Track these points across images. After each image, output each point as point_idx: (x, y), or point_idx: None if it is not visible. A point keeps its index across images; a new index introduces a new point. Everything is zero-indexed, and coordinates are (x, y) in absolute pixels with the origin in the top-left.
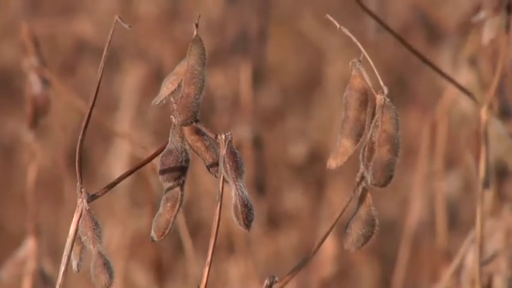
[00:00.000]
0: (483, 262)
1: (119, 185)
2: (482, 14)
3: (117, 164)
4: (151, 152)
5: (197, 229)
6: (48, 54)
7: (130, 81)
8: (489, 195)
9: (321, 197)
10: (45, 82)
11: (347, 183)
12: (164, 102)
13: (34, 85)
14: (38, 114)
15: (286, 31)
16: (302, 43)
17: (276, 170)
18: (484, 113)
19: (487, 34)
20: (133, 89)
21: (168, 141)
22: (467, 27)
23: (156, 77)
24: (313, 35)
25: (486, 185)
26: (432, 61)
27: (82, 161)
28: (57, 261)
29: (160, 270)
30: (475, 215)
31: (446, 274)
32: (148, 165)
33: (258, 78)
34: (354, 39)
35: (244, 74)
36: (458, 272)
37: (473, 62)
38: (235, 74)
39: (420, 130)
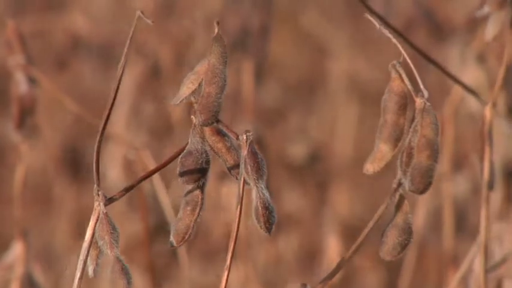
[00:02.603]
0: (492, 266)
1: (113, 188)
2: (485, 9)
3: (112, 164)
4: (146, 152)
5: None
6: (40, 51)
7: (126, 78)
8: (497, 197)
9: (323, 199)
10: (32, 81)
11: (349, 185)
12: (184, 101)
13: (20, 84)
14: (25, 114)
15: (287, 27)
16: (304, 40)
17: (276, 170)
18: (488, 112)
19: (491, 30)
20: (130, 86)
21: (187, 143)
22: (476, 23)
23: (153, 75)
24: (316, 32)
25: (491, 186)
26: (438, 59)
27: (76, 161)
28: (46, 265)
29: (155, 275)
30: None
31: (454, 279)
32: (140, 170)
33: (260, 76)
34: (394, 41)
35: (246, 72)
36: (466, 277)
37: (481, 59)
38: (236, 72)
39: None
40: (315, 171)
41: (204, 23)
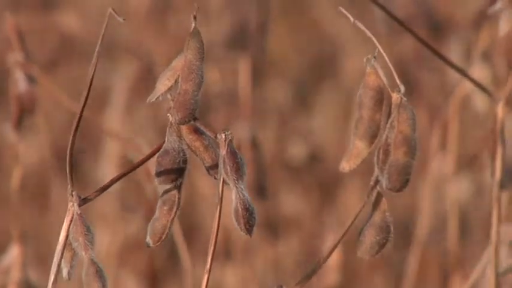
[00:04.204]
0: (503, 271)
1: (109, 189)
2: (498, 5)
3: (108, 165)
4: (145, 153)
5: (192, 235)
6: (33, 49)
7: (121, 77)
8: (504, 199)
9: (324, 201)
10: (31, 79)
11: (351, 186)
12: (160, 99)
13: (19, 82)
14: (24, 113)
15: (290, 23)
16: (308, 36)
17: (277, 171)
18: (500, 110)
19: (504, 26)
20: (124, 86)
21: (163, 141)
22: (480, 20)
23: (149, 74)
24: (321, 28)
25: (503, 187)
26: (444, 55)
27: (71, 161)
28: (43, 269)
29: (153, 279)
30: (488, 220)
31: (468, 284)
32: (142, 168)
33: (259, 73)
34: (369, 34)
35: (243, 69)
36: (476, 281)
37: (486, 57)
38: (235, 69)
39: (428, 129)
40: (315, 172)
41: (202, 20)
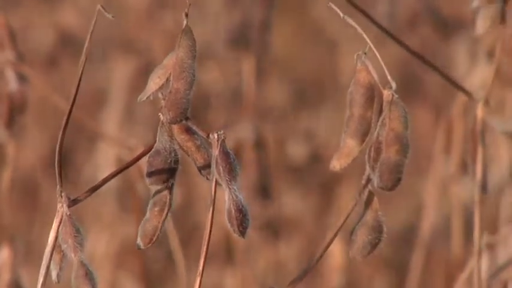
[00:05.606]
0: (497, 269)
1: (105, 188)
2: (475, 3)
3: (103, 166)
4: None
5: (191, 236)
6: (28, 47)
7: (118, 76)
8: (506, 200)
9: (325, 201)
10: (23, 78)
11: (354, 186)
12: (151, 98)
13: (10, 81)
14: (15, 113)
15: (294, 21)
16: (312, 34)
17: (277, 172)
18: (480, 110)
19: (481, 24)
20: (121, 84)
21: (155, 140)
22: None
23: (146, 72)
24: (325, 26)
25: (484, 188)
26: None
27: (65, 162)
28: (33, 271)
29: (150, 281)
30: (491, 222)
31: (458, 283)
32: (134, 168)
33: (261, 72)
34: (359, 29)
35: (246, 68)
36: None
37: (491, 55)
38: (236, 69)
39: (431, 129)
40: (317, 173)
41: (200, 18)
